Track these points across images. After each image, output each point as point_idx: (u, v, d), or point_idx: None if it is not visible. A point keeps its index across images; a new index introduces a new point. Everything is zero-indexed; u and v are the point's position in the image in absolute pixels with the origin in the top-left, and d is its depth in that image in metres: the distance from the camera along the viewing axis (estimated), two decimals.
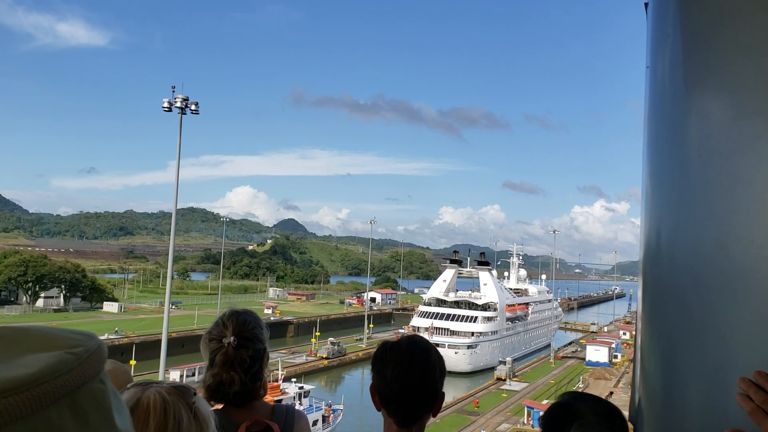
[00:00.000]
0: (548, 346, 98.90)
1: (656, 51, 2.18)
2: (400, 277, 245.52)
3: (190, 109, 45.81)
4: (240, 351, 2.68)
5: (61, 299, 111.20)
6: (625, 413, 2.41)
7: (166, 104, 45.87)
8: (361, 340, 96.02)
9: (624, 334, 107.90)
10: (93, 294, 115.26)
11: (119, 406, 0.74)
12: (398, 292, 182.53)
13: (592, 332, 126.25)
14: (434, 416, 2.48)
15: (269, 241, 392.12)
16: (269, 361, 2.93)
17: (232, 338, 2.66)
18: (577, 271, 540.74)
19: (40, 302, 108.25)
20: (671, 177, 1.92)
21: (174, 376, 54.34)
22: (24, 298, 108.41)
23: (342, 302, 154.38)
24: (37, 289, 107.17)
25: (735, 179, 1.53)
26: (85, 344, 0.69)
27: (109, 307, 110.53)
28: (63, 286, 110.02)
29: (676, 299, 1.78)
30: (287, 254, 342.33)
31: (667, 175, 1.95)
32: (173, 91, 45.88)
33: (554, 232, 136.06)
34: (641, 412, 2.30)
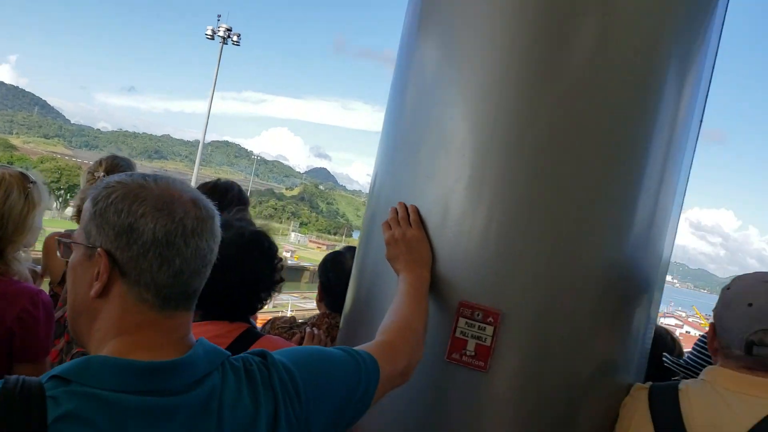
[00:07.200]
0: None
1: None
2: None
3: (232, 40, 45.33)
4: None
5: None
6: None
7: (209, 32, 45.48)
8: None
9: None
10: None
11: None
12: None
13: None
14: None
15: (298, 187, 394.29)
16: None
17: (102, 173, 3.10)
18: None
19: (68, 210, 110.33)
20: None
21: None
22: (55, 205, 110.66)
23: None
24: (68, 197, 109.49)
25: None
26: None
27: None
28: None
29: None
30: (314, 202, 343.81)
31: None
32: (218, 20, 45.42)
33: None
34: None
